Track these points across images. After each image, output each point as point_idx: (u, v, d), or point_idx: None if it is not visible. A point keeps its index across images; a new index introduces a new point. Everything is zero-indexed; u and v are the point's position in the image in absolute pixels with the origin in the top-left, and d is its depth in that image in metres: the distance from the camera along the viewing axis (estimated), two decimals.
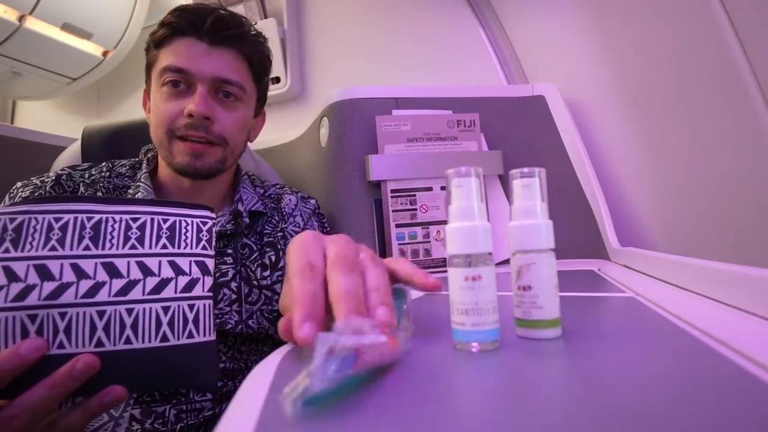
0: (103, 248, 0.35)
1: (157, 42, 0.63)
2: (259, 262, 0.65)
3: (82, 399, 0.34)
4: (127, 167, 0.68)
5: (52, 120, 1.92)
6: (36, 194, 0.58)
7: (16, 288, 0.32)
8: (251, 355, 0.64)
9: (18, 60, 1.50)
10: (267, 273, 0.65)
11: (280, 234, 0.69)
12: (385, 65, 1.22)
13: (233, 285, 0.62)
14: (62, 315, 0.32)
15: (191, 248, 0.39)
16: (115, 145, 0.84)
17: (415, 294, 0.42)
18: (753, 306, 0.31)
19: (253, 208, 0.69)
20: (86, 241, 0.35)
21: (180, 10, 0.62)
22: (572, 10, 0.88)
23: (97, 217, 0.36)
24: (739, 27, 0.63)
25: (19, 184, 0.60)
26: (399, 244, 0.77)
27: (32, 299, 0.32)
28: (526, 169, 0.30)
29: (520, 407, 0.18)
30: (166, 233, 0.38)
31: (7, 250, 0.33)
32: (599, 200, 0.80)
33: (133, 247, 0.36)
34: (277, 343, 0.69)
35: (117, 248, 0.36)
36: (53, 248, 0.34)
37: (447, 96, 0.86)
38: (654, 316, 0.33)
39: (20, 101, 1.97)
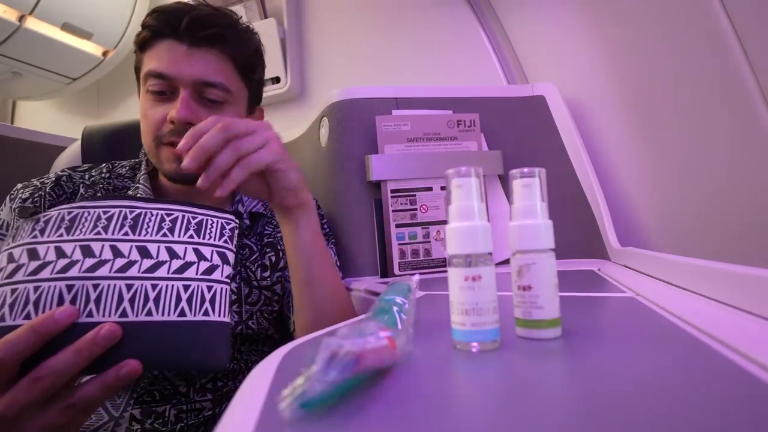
0: (139, 234, 0.40)
1: (140, 45, 0.61)
2: (259, 262, 0.65)
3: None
4: (127, 168, 0.68)
5: (52, 120, 1.92)
6: (36, 195, 0.58)
7: (62, 263, 0.37)
8: (251, 355, 0.64)
9: (18, 60, 1.50)
10: (267, 273, 0.65)
11: (280, 235, 0.69)
12: (385, 65, 1.22)
13: (233, 286, 0.62)
14: (95, 286, 0.36)
15: (214, 240, 0.43)
16: (115, 145, 0.84)
17: (416, 294, 0.42)
18: (753, 306, 0.31)
19: (253, 210, 0.69)
20: (126, 229, 0.40)
21: (157, 11, 0.59)
22: (572, 11, 0.88)
23: (138, 210, 0.42)
24: (739, 27, 0.63)
25: (19, 185, 0.60)
26: (399, 244, 0.77)
27: (73, 272, 0.37)
28: (526, 169, 0.30)
29: (520, 407, 0.18)
30: (194, 227, 0.43)
31: (61, 235, 0.39)
32: (599, 200, 0.80)
33: (164, 235, 0.41)
34: (277, 343, 0.69)
35: (151, 235, 0.41)
36: (98, 233, 0.39)
37: (447, 96, 0.86)
38: (654, 316, 0.33)
39: (20, 101, 1.97)
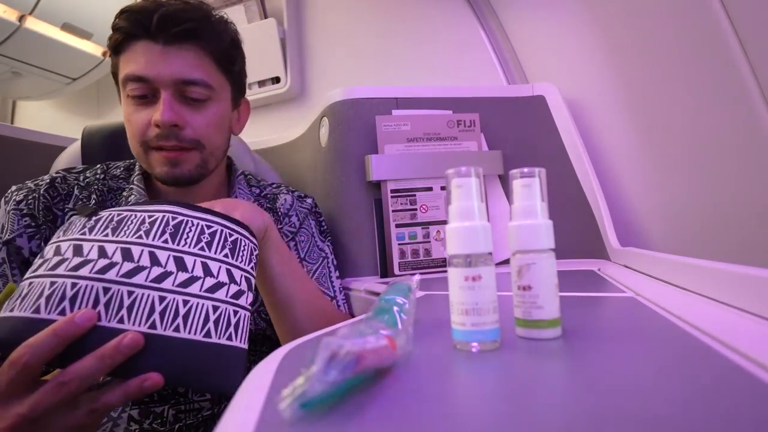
0: (178, 244, 0.40)
1: (113, 48, 0.59)
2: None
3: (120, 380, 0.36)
4: (122, 169, 0.67)
5: (52, 120, 1.92)
6: (30, 197, 0.58)
7: (102, 263, 0.37)
8: (249, 355, 0.64)
9: (18, 60, 1.50)
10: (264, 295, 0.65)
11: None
12: (386, 65, 1.22)
13: None
14: (130, 293, 0.36)
15: (245, 264, 0.43)
16: (115, 145, 0.84)
17: (416, 294, 0.42)
18: (753, 306, 0.31)
19: None
20: (166, 236, 0.40)
21: (126, 11, 0.57)
22: (573, 11, 0.88)
23: (180, 218, 0.41)
24: (739, 27, 0.63)
25: (13, 188, 0.59)
26: (399, 244, 0.77)
27: (111, 274, 0.37)
28: (526, 169, 0.30)
29: (520, 407, 0.18)
30: (229, 246, 0.43)
31: (106, 234, 0.39)
32: (599, 200, 0.80)
33: (202, 249, 0.41)
34: (275, 344, 0.69)
35: (189, 246, 0.40)
36: (140, 237, 0.39)
37: (447, 96, 0.86)
38: (654, 316, 0.33)
39: (20, 101, 1.97)
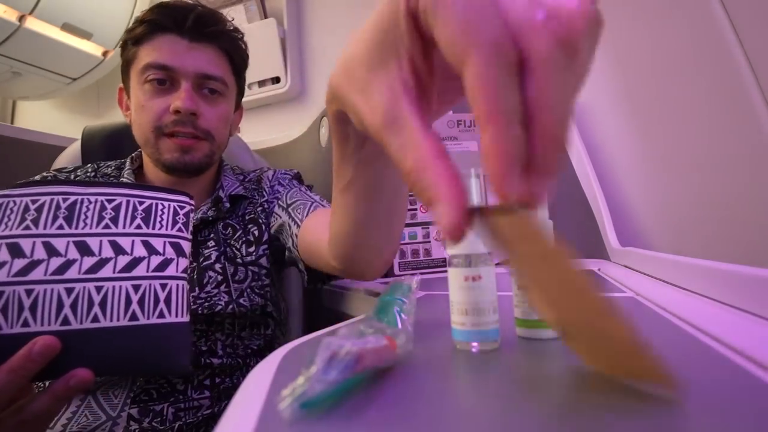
0: (77, 228, 0.35)
1: (136, 39, 0.63)
2: (243, 239, 0.66)
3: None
4: (113, 167, 0.69)
5: (52, 120, 1.92)
6: None
7: None
8: (252, 341, 0.63)
9: (18, 60, 1.50)
10: (252, 249, 0.66)
11: (260, 209, 0.69)
12: None
13: (218, 266, 0.62)
14: (29, 292, 0.32)
15: (166, 230, 0.38)
16: (115, 145, 0.84)
17: (417, 293, 0.42)
18: (753, 306, 0.31)
19: (233, 192, 0.69)
20: (60, 221, 0.35)
21: (161, 7, 0.63)
22: None
23: (72, 198, 0.36)
24: (739, 27, 0.63)
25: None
26: (399, 244, 0.77)
27: (1, 276, 0.32)
28: None
29: (520, 407, 0.18)
30: (141, 214, 0.38)
31: None
32: (599, 200, 0.80)
33: (106, 226, 0.36)
34: (277, 323, 0.69)
35: (90, 228, 0.35)
36: (27, 227, 0.34)
37: None
38: (654, 316, 0.33)
39: (20, 101, 1.97)
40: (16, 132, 1.02)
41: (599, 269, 0.66)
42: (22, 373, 0.31)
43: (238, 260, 0.64)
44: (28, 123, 1.98)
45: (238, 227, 0.67)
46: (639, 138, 0.83)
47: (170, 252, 0.38)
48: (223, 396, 0.59)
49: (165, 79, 0.61)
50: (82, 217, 0.36)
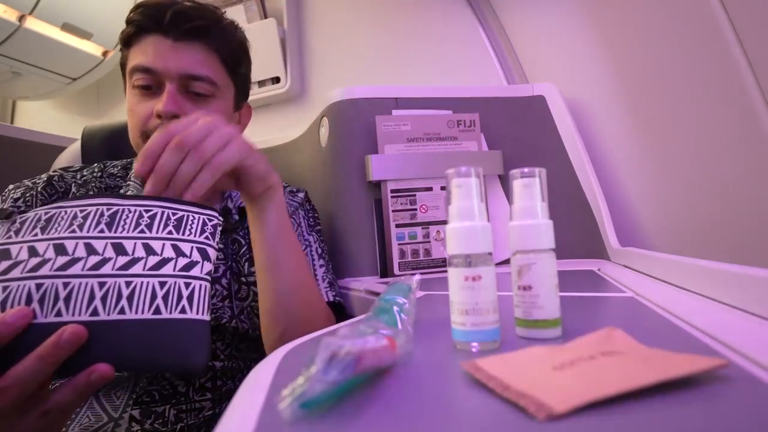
0: (116, 231, 0.39)
1: (125, 41, 0.61)
2: (247, 256, 0.65)
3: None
4: (119, 168, 0.68)
5: (52, 120, 1.92)
6: (27, 195, 0.58)
7: (33, 261, 0.36)
8: (250, 353, 0.64)
9: (18, 60, 1.50)
10: (254, 268, 0.65)
11: None
12: (385, 65, 1.22)
13: (224, 281, 0.62)
14: (65, 284, 0.35)
15: (195, 236, 0.42)
16: (115, 145, 0.84)
17: (417, 293, 0.42)
18: (753, 306, 0.31)
19: (242, 205, 0.69)
20: (102, 226, 0.39)
21: (142, 6, 0.59)
22: (572, 10, 0.88)
23: (115, 208, 0.40)
24: (739, 27, 0.63)
25: (11, 186, 0.60)
26: (399, 244, 0.77)
27: (44, 270, 0.35)
28: (526, 169, 0.30)
29: (519, 407, 0.18)
30: (173, 222, 0.41)
31: (35, 234, 0.38)
32: (599, 200, 0.80)
33: (141, 231, 0.39)
34: None
35: (127, 232, 0.39)
36: (73, 231, 0.38)
37: (447, 96, 0.86)
38: (654, 316, 0.33)
39: (20, 101, 1.97)
40: (16, 132, 1.02)
41: (599, 269, 0.66)
42: (51, 360, 0.32)
43: (242, 278, 0.64)
44: (28, 123, 1.98)
45: (243, 242, 0.66)
46: (639, 138, 0.83)
47: (196, 255, 0.41)
48: (224, 398, 0.59)
49: (150, 84, 0.59)
50: (122, 223, 0.39)
